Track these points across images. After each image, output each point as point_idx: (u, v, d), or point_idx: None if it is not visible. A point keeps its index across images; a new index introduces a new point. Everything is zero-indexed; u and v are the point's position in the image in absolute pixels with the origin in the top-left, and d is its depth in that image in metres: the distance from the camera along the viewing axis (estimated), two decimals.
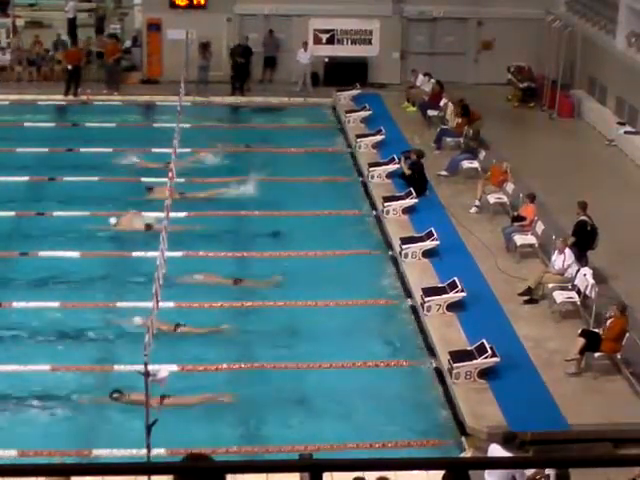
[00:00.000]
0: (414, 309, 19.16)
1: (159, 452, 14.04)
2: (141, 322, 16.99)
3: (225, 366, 17.28)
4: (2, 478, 4.68)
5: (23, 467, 4.74)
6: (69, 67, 31.69)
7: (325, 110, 31.42)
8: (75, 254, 20.96)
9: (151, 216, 21.87)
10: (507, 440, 13.79)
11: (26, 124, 29.35)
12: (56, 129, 29.32)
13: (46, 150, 27.24)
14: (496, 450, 13.69)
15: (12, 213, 23.03)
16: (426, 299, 18.54)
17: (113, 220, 22.18)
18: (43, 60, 33.24)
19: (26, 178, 25.08)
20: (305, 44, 32.28)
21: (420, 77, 31.60)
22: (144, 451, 12.95)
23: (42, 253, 21.07)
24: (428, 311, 18.49)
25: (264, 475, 5.46)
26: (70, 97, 31.67)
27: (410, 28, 33.58)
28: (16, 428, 15.53)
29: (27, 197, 24.21)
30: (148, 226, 21.82)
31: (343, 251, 21.46)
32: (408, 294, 19.72)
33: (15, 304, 18.95)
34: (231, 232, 22.66)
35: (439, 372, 17.11)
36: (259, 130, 29.79)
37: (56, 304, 18.97)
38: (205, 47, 31.81)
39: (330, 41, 33.45)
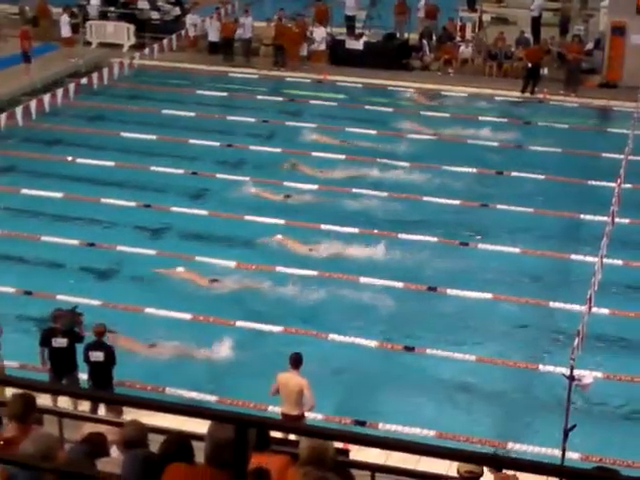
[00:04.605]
0: None
1: (572, 456, 13.94)
2: None
3: None
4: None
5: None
6: (529, 65, 31.99)
7: None
8: (516, 250, 21.24)
9: None
10: None
11: (480, 117, 30.01)
12: (508, 125, 29.69)
13: (496, 145, 27.78)
14: None
15: (457, 202, 23.72)
16: None
17: None
18: (504, 56, 33.81)
19: (474, 170, 25.73)
20: None
21: None
22: (558, 452, 12.94)
23: (481, 246, 21.55)
24: None
25: None
26: (527, 95, 31.98)
27: None
28: (438, 411, 16.02)
29: (473, 188, 24.80)
30: None
31: None
32: None
33: (450, 291, 19.57)
34: None
35: None
36: None
37: (489, 295, 19.34)
38: None
39: None
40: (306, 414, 14.34)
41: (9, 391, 11.41)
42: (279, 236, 21.49)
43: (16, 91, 30.99)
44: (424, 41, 35.05)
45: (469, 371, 17.08)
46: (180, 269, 20.07)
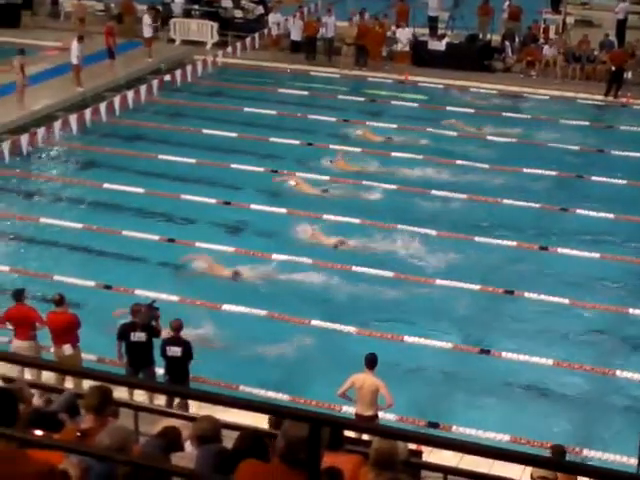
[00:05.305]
0: None
1: None
2: None
3: None
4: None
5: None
6: (613, 68, 31.60)
7: None
8: (595, 255, 21.01)
9: None
10: None
11: (561, 120, 29.72)
12: (589, 128, 29.39)
13: (577, 148, 27.50)
14: None
15: (537, 205, 23.54)
16: None
17: None
18: (588, 59, 33.42)
19: (554, 173, 25.52)
20: None
21: None
22: (634, 461, 12.77)
23: (560, 250, 21.35)
24: None
25: None
26: (610, 98, 31.59)
27: None
28: (513, 415, 15.91)
29: (553, 192, 24.60)
30: None
31: None
32: None
33: (528, 295, 19.41)
34: None
35: None
36: None
37: (566, 300, 19.16)
38: None
39: None
40: (380, 414, 14.35)
41: (86, 383, 11.60)
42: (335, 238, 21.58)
43: (100, 87, 31.44)
44: (507, 42, 34.79)
45: (545, 375, 16.94)
46: (202, 262, 20.31)
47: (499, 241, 21.56)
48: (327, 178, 24.77)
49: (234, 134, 27.90)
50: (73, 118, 27.43)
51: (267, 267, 20.18)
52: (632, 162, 26.34)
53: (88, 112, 28.00)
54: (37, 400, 9.83)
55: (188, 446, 8.20)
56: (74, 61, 30.46)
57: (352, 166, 25.67)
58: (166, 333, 15.34)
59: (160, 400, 14.71)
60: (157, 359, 15.26)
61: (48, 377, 14.70)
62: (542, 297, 19.23)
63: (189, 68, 32.46)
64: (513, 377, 16.89)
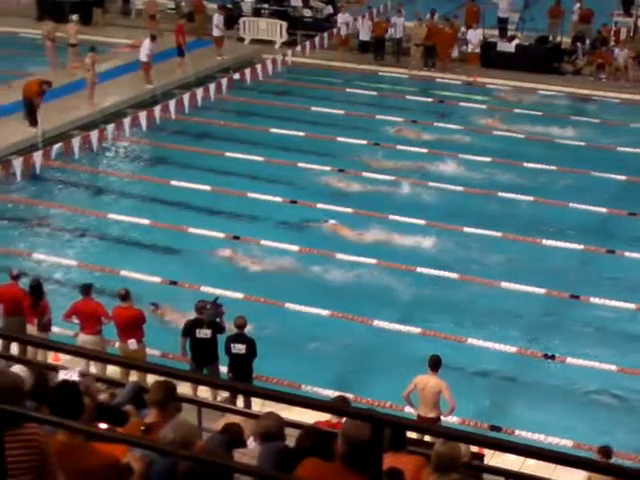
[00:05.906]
0: None
1: None
2: None
3: None
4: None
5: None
6: None
7: None
8: None
9: None
10: None
11: (632, 124, 29.37)
12: None
13: None
14: None
15: (604, 210, 23.30)
16: None
17: None
18: None
19: (623, 177, 25.22)
20: None
21: None
22: None
23: (628, 254, 21.12)
24: None
25: None
26: None
27: None
28: (576, 420, 15.77)
29: (622, 196, 24.31)
30: None
31: None
32: None
33: (593, 300, 19.23)
34: None
35: None
36: None
37: (632, 306, 18.94)
38: None
39: None
40: (442, 418, 14.30)
41: (151, 378, 11.72)
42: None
43: (170, 84, 31.70)
44: (577, 45, 34.42)
45: (610, 381, 16.77)
46: (226, 251, 20.62)
47: (565, 244, 21.39)
48: (392, 178, 24.74)
49: (302, 133, 27.98)
50: (142, 115, 27.68)
51: (331, 267, 20.21)
52: None
53: (157, 109, 28.24)
54: (103, 395, 9.95)
55: (250, 442, 8.24)
56: (143, 59, 30.74)
57: (412, 165, 25.71)
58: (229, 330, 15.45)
59: (223, 397, 14.80)
60: (221, 356, 15.34)
61: (113, 371, 14.88)
62: (608, 302, 19.05)
63: (259, 67, 32.59)
64: (577, 382, 16.75)
